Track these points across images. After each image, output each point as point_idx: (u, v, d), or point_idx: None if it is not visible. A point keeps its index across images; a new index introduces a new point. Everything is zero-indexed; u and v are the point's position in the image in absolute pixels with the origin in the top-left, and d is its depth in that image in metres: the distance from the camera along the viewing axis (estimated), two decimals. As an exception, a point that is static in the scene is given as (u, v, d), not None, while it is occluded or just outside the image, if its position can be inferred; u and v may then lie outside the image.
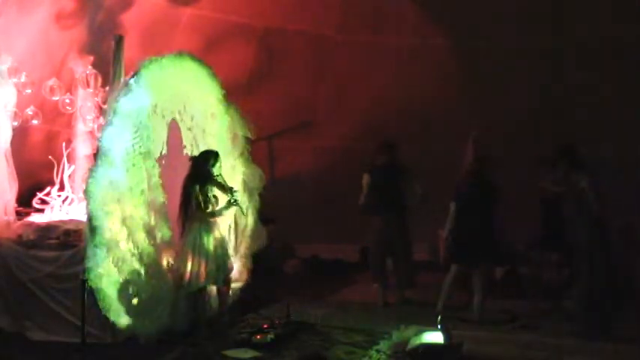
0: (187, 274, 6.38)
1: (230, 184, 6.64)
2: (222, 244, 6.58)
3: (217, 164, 6.49)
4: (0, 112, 6.85)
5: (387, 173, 7.83)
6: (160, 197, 6.38)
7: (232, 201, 6.45)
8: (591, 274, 6.58)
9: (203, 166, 6.48)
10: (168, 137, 6.74)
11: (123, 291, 5.99)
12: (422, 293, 8.07)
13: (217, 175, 6.48)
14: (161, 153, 6.59)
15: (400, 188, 7.86)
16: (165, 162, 6.73)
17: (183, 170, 6.65)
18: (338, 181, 9.53)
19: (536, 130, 9.24)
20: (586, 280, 6.65)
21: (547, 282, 7.93)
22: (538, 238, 8.13)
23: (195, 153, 6.90)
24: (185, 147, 7.06)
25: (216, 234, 6.52)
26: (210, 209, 6.41)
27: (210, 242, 6.41)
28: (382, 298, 7.87)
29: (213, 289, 6.72)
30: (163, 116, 6.66)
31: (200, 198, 6.37)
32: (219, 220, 6.63)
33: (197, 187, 6.39)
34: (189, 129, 7.05)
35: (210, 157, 6.53)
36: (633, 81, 8.84)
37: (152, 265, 6.23)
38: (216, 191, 6.52)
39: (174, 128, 6.92)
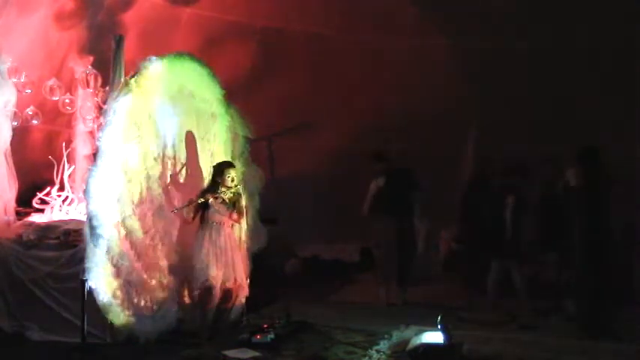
0: (194, 275, 6.39)
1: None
2: (233, 249, 6.58)
3: (227, 176, 6.49)
4: (0, 112, 6.85)
5: (392, 177, 7.85)
6: (158, 197, 6.38)
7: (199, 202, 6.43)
8: (591, 274, 6.58)
9: (214, 177, 6.53)
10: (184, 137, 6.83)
11: (122, 291, 5.97)
12: (422, 293, 8.07)
13: (230, 187, 6.48)
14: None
15: (405, 190, 7.89)
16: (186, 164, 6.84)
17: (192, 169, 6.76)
18: (338, 181, 9.53)
19: (536, 129, 9.24)
20: (586, 280, 6.66)
21: (547, 282, 7.92)
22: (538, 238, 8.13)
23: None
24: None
25: (228, 238, 6.52)
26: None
27: (218, 246, 6.42)
28: (386, 298, 7.87)
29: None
30: (162, 115, 6.66)
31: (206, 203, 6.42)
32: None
33: (206, 194, 6.43)
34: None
35: (218, 168, 6.56)
36: (632, 81, 8.84)
37: (152, 266, 6.23)
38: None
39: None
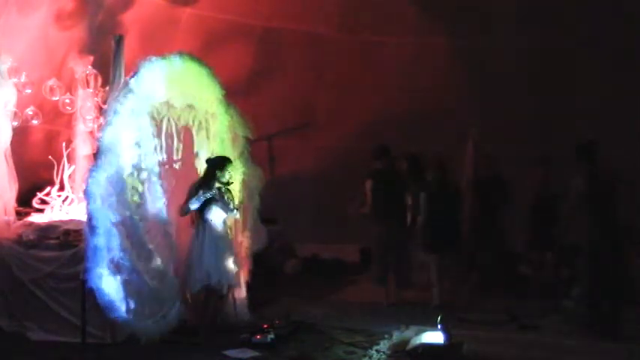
0: (189, 274, 6.40)
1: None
2: (228, 247, 6.58)
3: (227, 172, 6.52)
4: (0, 112, 6.85)
5: (387, 177, 7.85)
6: (160, 197, 6.39)
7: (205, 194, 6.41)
8: (592, 274, 6.58)
9: (211, 171, 6.52)
10: (183, 137, 6.83)
11: (123, 291, 5.97)
12: (422, 293, 8.07)
13: (227, 183, 6.51)
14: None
15: (400, 191, 7.89)
16: (181, 162, 6.83)
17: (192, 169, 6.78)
18: (338, 181, 9.53)
19: (535, 129, 9.25)
20: (587, 280, 6.66)
21: (547, 282, 7.93)
22: (537, 238, 8.12)
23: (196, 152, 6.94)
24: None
25: (223, 237, 6.53)
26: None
27: (212, 244, 6.42)
28: (387, 298, 7.87)
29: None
30: (162, 115, 6.67)
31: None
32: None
33: (200, 190, 6.40)
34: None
35: (220, 163, 6.56)
36: (633, 81, 8.84)
37: (152, 265, 6.23)
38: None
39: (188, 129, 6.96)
